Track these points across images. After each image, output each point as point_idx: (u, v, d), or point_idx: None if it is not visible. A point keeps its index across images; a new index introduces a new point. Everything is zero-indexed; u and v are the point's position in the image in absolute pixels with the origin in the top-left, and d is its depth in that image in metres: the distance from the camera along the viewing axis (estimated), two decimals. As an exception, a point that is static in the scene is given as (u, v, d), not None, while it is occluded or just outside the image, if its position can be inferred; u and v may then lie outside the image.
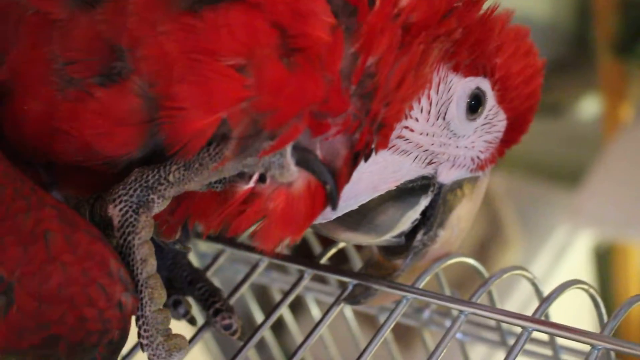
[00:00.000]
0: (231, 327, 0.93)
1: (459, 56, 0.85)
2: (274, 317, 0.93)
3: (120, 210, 0.78)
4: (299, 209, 0.79)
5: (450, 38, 0.83)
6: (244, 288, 0.98)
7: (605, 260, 3.24)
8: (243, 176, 0.78)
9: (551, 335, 0.89)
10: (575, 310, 0.93)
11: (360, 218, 0.87)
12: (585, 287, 0.90)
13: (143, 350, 0.80)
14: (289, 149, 0.76)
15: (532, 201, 3.13)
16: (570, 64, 3.36)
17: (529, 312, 0.86)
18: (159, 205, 0.78)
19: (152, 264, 0.78)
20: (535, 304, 0.90)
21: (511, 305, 2.24)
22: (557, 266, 2.97)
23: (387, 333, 0.87)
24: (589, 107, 3.45)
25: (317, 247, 1.12)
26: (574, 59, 3.43)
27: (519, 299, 2.41)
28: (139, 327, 0.79)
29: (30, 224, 0.72)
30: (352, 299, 0.92)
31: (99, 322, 0.73)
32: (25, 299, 0.72)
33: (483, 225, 2.81)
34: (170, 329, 0.80)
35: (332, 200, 0.78)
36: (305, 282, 0.95)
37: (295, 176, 0.77)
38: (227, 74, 0.72)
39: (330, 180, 0.77)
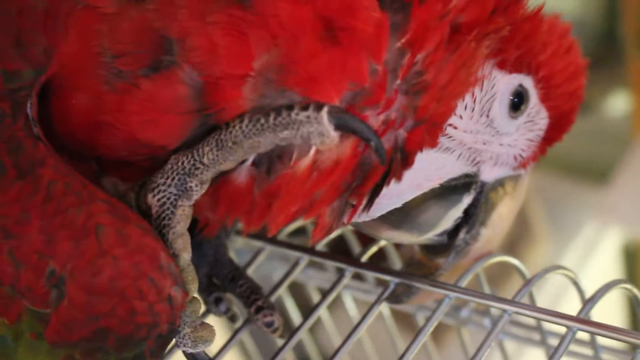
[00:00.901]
0: (273, 324, 0.93)
1: (505, 53, 0.85)
2: (313, 318, 0.94)
3: (159, 200, 0.78)
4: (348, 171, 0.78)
5: (498, 35, 0.82)
6: (284, 286, 0.98)
7: (634, 257, 3.21)
8: (282, 158, 0.77)
9: (595, 335, 0.89)
10: (602, 306, 0.92)
11: (403, 216, 0.87)
12: (628, 287, 0.89)
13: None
14: (324, 114, 0.74)
15: (560, 198, 3.11)
16: (599, 60, 3.34)
17: (562, 306, 0.86)
18: (198, 192, 0.78)
19: (185, 257, 0.78)
20: (567, 297, 0.90)
21: (544, 299, 2.23)
22: (586, 264, 2.95)
23: (428, 333, 0.87)
24: (618, 103, 3.43)
25: (356, 246, 1.12)
26: (603, 55, 3.40)
27: (550, 295, 2.41)
28: None
29: (81, 219, 0.73)
30: (394, 298, 0.92)
31: (148, 316, 0.74)
32: (76, 292, 0.72)
33: (512, 223, 2.79)
34: (199, 319, 0.80)
35: (380, 155, 0.75)
36: (346, 281, 0.95)
37: (337, 141, 0.75)
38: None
39: (373, 136, 0.74)
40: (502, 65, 0.85)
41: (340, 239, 1.12)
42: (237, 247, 1.22)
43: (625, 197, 2.91)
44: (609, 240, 3.05)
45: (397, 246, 1.09)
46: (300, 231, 1.06)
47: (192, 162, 0.77)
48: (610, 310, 2.46)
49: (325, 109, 0.73)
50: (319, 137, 0.74)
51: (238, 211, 0.80)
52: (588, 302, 0.85)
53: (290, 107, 0.74)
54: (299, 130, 0.74)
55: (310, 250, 0.99)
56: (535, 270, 0.92)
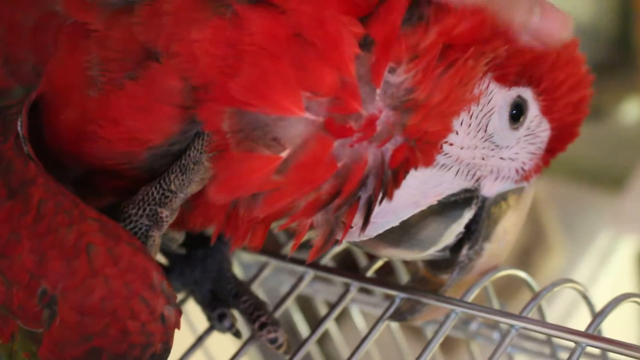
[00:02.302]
0: (277, 341, 0.93)
1: (505, 68, 0.83)
2: (319, 331, 0.93)
3: (131, 230, 0.79)
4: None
5: (496, 54, 0.81)
6: (290, 300, 0.97)
7: (650, 265, 3.19)
8: None
9: (605, 351, 0.87)
10: (616, 319, 0.91)
11: (402, 234, 0.85)
12: (639, 300, 0.88)
13: None
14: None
15: (574, 206, 3.09)
16: (613, 66, 3.32)
17: (573, 319, 0.85)
18: (169, 219, 0.79)
19: None
20: (579, 311, 0.89)
21: (555, 313, 2.22)
22: (601, 271, 2.93)
23: (435, 347, 0.86)
24: (632, 110, 3.41)
25: (362, 260, 1.11)
26: (617, 61, 3.39)
27: (562, 306, 2.39)
28: None
29: (72, 238, 0.73)
30: (399, 316, 0.91)
31: (141, 335, 0.74)
32: (68, 312, 0.72)
33: (525, 231, 2.78)
34: None
35: None
36: (351, 295, 0.94)
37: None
38: None
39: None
40: (500, 80, 0.83)
41: (348, 254, 1.11)
42: (244, 262, 1.22)
43: (640, 204, 2.90)
44: (624, 249, 3.03)
45: (405, 260, 1.08)
46: (306, 245, 1.05)
47: (160, 191, 0.78)
48: (625, 323, 2.44)
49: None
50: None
51: (218, 226, 0.81)
52: (597, 317, 0.84)
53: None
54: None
55: (316, 265, 0.98)
56: (548, 280, 0.91)
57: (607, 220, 2.96)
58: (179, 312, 0.76)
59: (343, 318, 1.30)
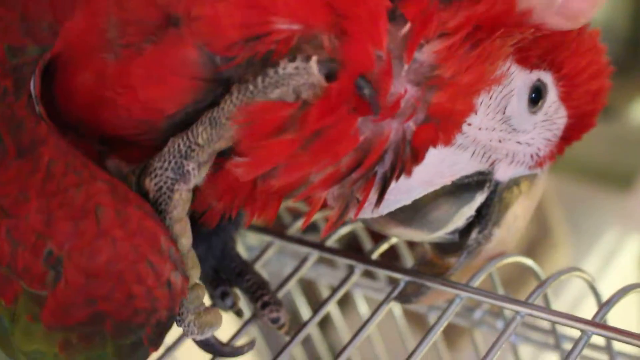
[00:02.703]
0: (279, 321, 0.92)
1: (527, 50, 0.82)
2: (321, 314, 0.92)
3: (156, 184, 0.77)
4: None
5: (523, 36, 0.80)
6: (293, 282, 0.96)
7: (655, 265, 3.18)
8: None
9: (610, 339, 0.86)
10: (621, 311, 0.90)
11: (413, 213, 0.84)
12: (646, 290, 0.87)
13: (177, 325, 0.79)
14: (313, 64, 0.72)
15: (582, 204, 3.08)
16: (624, 66, 3.31)
17: (580, 313, 0.84)
18: (197, 175, 0.77)
19: (184, 243, 0.77)
20: (586, 304, 0.88)
21: (561, 306, 2.21)
22: (606, 269, 2.92)
23: (438, 333, 0.85)
24: (642, 110, 3.40)
25: (368, 244, 1.10)
26: (627, 61, 3.37)
27: (569, 298, 2.38)
28: None
29: (81, 199, 0.72)
30: (404, 297, 0.90)
31: (146, 301, 0.73)
32: (73, 274, 0.71)
33: (531, 227, 2.77)
34: (203, 305, 0.79)
35: (373, 105, 0.73)
36: (355, 277, 0.93)
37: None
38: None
39: (365, 83, 0.73)
40: (522, 62, 0.82)
41: (353, 237, 1.11)
42: (249, 243, 1.21)
43: (648, 204, 2.89)
44: (630, 248, 3.02)
45: (410, 244, 1.07)
46: (312, 227, 1.04)
47: (187, 143, 0.76)
48: (632, 316, 2.43)
49: (314, 59, 0.72)
50: (311, 88, 0.73)
51: (240, 199, 0.79)
52: (604, 306, 0.83)
53: (276, 64, 0.73)
54: (289, 85, 0.73)
55: (320, 246, 0.97)
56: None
57: (614, 219, 2.96)
58: (186, 279, 0.75)
59: (346, 303, 1.30)
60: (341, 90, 0.73)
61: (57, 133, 0.75)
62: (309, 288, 1.27)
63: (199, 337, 0.80)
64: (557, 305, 0.94)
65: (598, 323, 0.82)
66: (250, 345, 0.84)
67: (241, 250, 1.18)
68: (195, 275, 0.78)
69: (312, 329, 1.21)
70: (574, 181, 3.16)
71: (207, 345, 0.83)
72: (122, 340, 0.74)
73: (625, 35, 3.52)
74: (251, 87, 0.74)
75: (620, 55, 3.40)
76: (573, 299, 2.33)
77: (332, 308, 1.20)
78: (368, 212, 0.82)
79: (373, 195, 0.79)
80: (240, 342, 0.88)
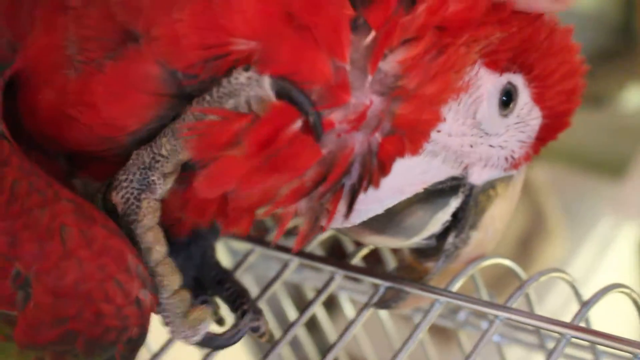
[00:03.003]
0: (259, 330, 0.91)
1: (496, 54, 0.81)
2: (306, 315, 0.92)
3: (122, 197, 0.77)
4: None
5: (489, 41, 0.79)
6: (276, 286, 0.96)
7: (651, 252, 3.18)
8: None
9: (591, 342, 0.86)
10: (620, 310, 0.90)
11: (386, 221, 0.83)
12: (627, 291, 0.86)
13: (174, 337, 0.80)
14: (266, 80, 0.72)
15: (575, 193, 3.08)
16: (615, 53, 3.30)
17: (570, 313, 0.83)
18: (162, 185, 0.77)
19: (158, 250, 0.77)
20: (576, 304, 0.87)
21: (551, 304, 2.20)
22: (602, 258, 2.92)
23: (421, 335, 0.85)
24: (633, 97, 3.39)
25: (350, 247, 1.09)
26: (619, 48, 3.37)
27: (560, 298, 2.38)
28: (159, 313, 0.79)
29: (46, 219, 0.72)
30: (383, 304, 0.90)
31: (116, 319, 0.73)
32: (42, 294, 0.71)
33: (526, 218, 2.77)
34: (188, 306, 0.79)
35: (316, 131, 0.73)
36: (336, 283, 0.93)
37: (276, 108, 0.73)
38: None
39: (311, 110, 0.72)
40: (491, 66, 0.81)
41: (335, 240, 1.10)
42: (233, 248, 1.20)
43: (642, 191, 2.89)
44: (625, 235, 3.02)
45: (392, 249, 1.07)
46: (292, 232, 1.04)
47: (151, 155, 0.76)
48: (624, 317, 2.43)
49: (267, 76, 0.72)
50: (260, 102, 0.72)
51: (210, 213, 0.79)
52: (582, 307, 0.83)
53: (229, 74, 0.73)
54: (241, 95, 0.72)
55: (301, 253, 0.96)
56: (547, 267, 0.89)
57: (608, 207, 2.96)
58: (155, 296, 0.75)
59: (333, 307, 1.30)
60: (287, 108, 0.72)
61: (20, 152, 0.75)
62: (297, 292, 1.27)
63: (196, 338, 0.80)
64: (548, 302, 0.93)
65: (577, 326, 0.81)
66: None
67: (225, 254, 1.18)
68: (175, 280, 0.78)
69: (301, 333, 1.22)
70: (567, 170, 3.16)
71: (207, 343, 0.83)
72: (94, 358, 0.74)
73: (616, 23, 3.51)
74: (207, 97, 0.74)
75: (612, 43, 3.40)
76: (565, 295, 2.32)
77: (319, 312, 1.20)
78: (338, 222, 0.81)
79: (342, 207, 0.79)
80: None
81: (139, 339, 0.75)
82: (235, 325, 0.88)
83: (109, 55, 0.74)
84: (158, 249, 0.77)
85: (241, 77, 0.72)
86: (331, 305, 1.24)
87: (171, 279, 0.78)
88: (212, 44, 0.72)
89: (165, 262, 0.78)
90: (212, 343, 0.84)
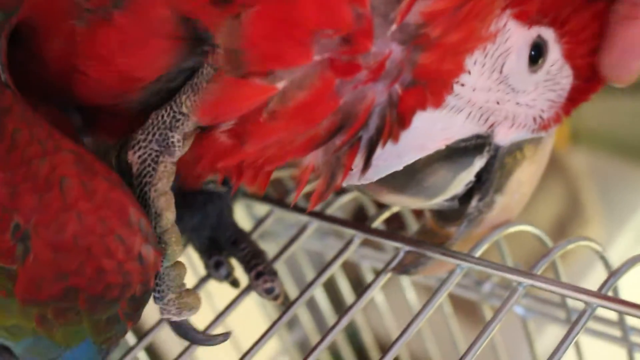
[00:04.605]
0: (273, 291, 0.89)
1: (525, 4, 0.77)
2: (324, 276, 0.88)
3: (140, 157, 0.74)
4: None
5: None
6: (296, 250, 0.93)
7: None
8: None
9: (618, 312, 0.82)
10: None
11: (407, 179, 0.80)
12: (659, 261, 0.82)
13: (155, 303, 0.77)
14: None
15: (614, 180, 3.03)
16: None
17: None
18: (181, 147, 0.74)
19: (168, 217, 0.74)
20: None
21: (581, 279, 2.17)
22: (639, 248, 2.88)
23: (443, 303, 0.82)
24: (678, 83, 3.34)
25: (372, 211, 1.07)
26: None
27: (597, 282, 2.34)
28: None
29: (45, 170, 0.69)
30: (402, 268, 0.86)
31: (118, 275, 0.70)
32: (41, 248, 0.69)
33: (562, 204, 2.73)
34: (184, 285, 0.76)
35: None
36: (355, 246, 0.90)
37: None
38: None
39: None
40: (519, 17, 0.77)
41: (359, 206, 1.08)
42: (256, 214, 1.18)
43: (683, 179, 2.84)
44: (665, 224, 2.97)
45: (416, 214, 1.03)
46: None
47: (171, 114, 0.73)
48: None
49: None
50: None
51: (225, 169, 0.77)
52: (611, 276, 0.78)
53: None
54: None
55: (319, 215, 0.93)
56: (584, 255, 0.86)
57: (647, 195, 2.91)
58: (158, 253, 0.72)
59: (359, 278, 1.27)
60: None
61: (23, 102, 0.72)
62: (318, 260, 1.25)
63: (175, 318, 0.77)
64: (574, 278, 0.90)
65: (604, 295, 0.77)
66: (225, 335, 0.81)
67: (248, 221, 1.15)
68: (178, 251, 0.76)
69: (320, 295, 1.22)
70: (607, 157, 3.11)
71: (180, 328, 0.80)
72: (97, 316, 0.72)
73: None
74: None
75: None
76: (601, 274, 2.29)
77: (338, 276, 1.18)
78: (355, 178, 0.78)
79: (359, 161, 0.76)
80: (216, 331, 0.86)
81: (143, 296, 0.73)
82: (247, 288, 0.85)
83: (117, 3, 0.71)
84: (168, 215, 0.74)
85: None
86: (354, 275, 1.22)
87: (175, 249, 0.75)
88: None
89: (172, 231, 0.75)
90: (185, 333, 0.80)
